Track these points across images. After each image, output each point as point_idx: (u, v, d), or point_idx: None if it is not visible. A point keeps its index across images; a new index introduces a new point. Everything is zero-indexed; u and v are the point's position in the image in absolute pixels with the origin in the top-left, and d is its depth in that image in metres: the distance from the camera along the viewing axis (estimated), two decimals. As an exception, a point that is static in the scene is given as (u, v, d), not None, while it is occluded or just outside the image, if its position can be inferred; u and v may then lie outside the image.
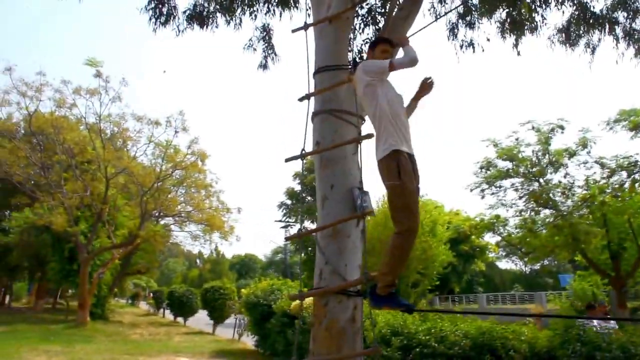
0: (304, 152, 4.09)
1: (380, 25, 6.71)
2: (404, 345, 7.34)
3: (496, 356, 6.20)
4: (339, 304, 3.84)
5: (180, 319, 28.81)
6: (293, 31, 4.35)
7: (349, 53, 4.75)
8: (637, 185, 16.68)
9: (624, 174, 17.68)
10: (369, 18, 6.77)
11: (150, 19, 7.73)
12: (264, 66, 8.03)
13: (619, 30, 7.40)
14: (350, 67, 4.40)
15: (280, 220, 44.06)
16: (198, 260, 79.08)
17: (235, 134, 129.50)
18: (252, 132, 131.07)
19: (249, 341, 17.62)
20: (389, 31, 4.60)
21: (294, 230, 45.06)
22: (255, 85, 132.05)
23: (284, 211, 41.31)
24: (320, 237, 4.10)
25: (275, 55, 8.03)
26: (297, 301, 13.17)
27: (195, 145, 26.13)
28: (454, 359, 6.55)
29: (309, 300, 11.75)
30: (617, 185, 17.64)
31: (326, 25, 4.28)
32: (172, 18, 7.74)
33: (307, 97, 4.22)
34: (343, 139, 4.15)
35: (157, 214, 27.57)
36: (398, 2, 4.96)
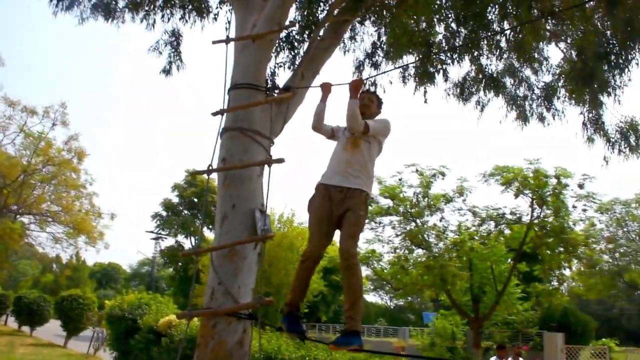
0: (211, 167, 3.99)
1: (297, 51, 6.78)
2: (277, 372, 7.30)
3: (367, 387, 6.36)
4: (228, 326, 3.76)
5: (25, 328, 26.00)
6: (214, 42, 4.26)
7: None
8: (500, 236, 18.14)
9: (492, 223, 19.12)
10: (287, 43, 6.82)
11: (51, 0, 7.25)
12: (167, 71, 7.78)
13: (505, 94, 8.07)
14: (266, 89, 4.39)
15: (152, 232, 42.45)
16: (55, 265, 73.41)
17: (126, 137, 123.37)
18: (143, 138, 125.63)
19: (106, 357, 16.58)
20: (308, 60, 4.67)
21: (165, 243, 43.55)
22: (157, 92, 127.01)
23: (158, 222, 39.87)
24: (215, 256, 3.99)
25: (181, 62, 7.82)
26: (166, 318, 12.56)
27: (74, 141, 24.61)
28: (326, 388, 6.62)
29: (178, 319, 11.34)
30: (484, 234, 19.04)
31: (249, 43, 4.25)
32: (76, 4, 7.30)
33: (220, 112, 4.14)
34: (252, 159, 4.11)
35: (17, 210, 25.44)
36: (319, 34, 5.05)
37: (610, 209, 41.77)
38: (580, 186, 17.21)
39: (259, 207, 4.11)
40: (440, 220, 19.21)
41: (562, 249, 17.84)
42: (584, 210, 17.84)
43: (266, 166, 4.00)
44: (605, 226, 42.72)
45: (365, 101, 4.14)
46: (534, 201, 17.47)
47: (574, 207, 17.78)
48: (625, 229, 42.94)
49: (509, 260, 20.29)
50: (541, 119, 8.31)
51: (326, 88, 4.25)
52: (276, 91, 4.69)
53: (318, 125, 4.23)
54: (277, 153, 4.68)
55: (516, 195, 17.47)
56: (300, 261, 4.00)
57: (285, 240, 19.16)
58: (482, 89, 7.95)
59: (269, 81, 5.83)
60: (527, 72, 8.10)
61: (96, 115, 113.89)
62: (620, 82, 7.50)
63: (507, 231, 19.90)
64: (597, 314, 50.50)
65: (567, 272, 20.85)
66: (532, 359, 20.72)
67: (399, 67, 7.49)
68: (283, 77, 6.89)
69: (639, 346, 38.34)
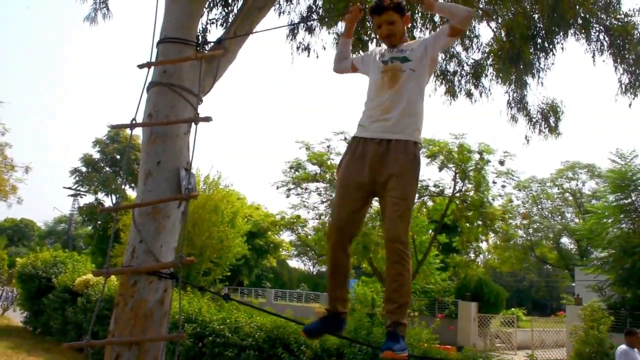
0: (134, 121, 3.84)
1: (231, 8, 6.59)
2: (197, 332, 7.29)
3: (288, 350, 6.46)
4: (148, 285, 3.67)
5: None
6: (143, -8, 4.07)
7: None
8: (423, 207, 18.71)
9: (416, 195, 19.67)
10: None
11: None
12: (92, 19, 7.37)
13: (436, 68, 8.24)
14: (196, 44, 4.25)
15: (70, 188, 40.84)
16: (-43, 220, 69.14)
17: (47, 86, 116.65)
18: (66, 89, 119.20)
19: (15, 317, 15.96)
20: (242, 18, 4.54)
21: (84, 200, 42.06)
22: (82, 41, 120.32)
23: (77, 178, 38.35)
24: (137, 214, 3.87)
25: (108, 10, 7.42)
26: (83, 277, 12.23)
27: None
28: (247, 350, 6.67)
29: (95, 278, 11.04)
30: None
31: (182, -5, 4.09)
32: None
33: (147, 65, 3.97)
34: (179, 116, 3.99)
35: None
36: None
37: (527, 187, 44.01)
38: (501, 163, 18.04)
39: (185, 165, 4.02)
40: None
41: (480, 223, 18.70)
42: (503, 186, 18.76)
43: (193, 124, 3.89)
44: (521, 203, 45.00)
45: (386, 23, 3.21)
46: (457, 175, 18.14)
47: (494, 182, 18.66)
48: (539, 207, 45.39)
49: (430, 231, 21.04)
50: (469, 95, 8.56)
51: (355, 13, 3.45)
52: (207, 47, 4.53)
53: (340, 65, 3.54)
54: (206, 111, 4.57)
55: (440, 169, 18.05)
56: (327, 243, 3.10)
57: (210, 203, 18.97)
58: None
59: (200, 37, 5.66)
60: (459, 48, 8.27)
61: (13, 61, 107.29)
62: (544, 65, 7.84)
63: (430, 203, 20.59)
64: (510, 286, 53.52)
65: (483, 245, 21.94)
66: (446, 326, 21.72)
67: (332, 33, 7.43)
68: (215, 34, 6.71)
69: (544, 315, 41.13)
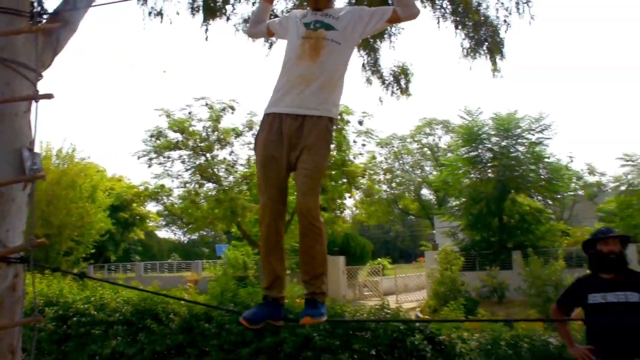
0: (-35, 101, 3.59)
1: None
2: (60, 315, 7.05)
3: (157, 320, 6.48)
4: (-3, 272, 3.53)
5: None
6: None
7: None
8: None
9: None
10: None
11: None
12: None
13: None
14: (31, 14, 4.01)
15: None
16: None
17: None
18: None
19: None
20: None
21: None
22: None
23: None
24: (-22, 199, 3.67)
25: None
26: None
27: None
28: (114, 326, 6.59)
29: None
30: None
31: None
32: None
33: (-25, 39, 3.69)
34: (16, 93, 3.77)
35: None
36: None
37: (389, 143, 46.26)
38: (360, 123, 18.85)
39: (27, 145, 3.83)
40: (230, 154, 19.58)
41: (344, 181, 19.51)
42: (364, 145, 19.67)
43: (33, 102, 3.70)
44: (384, 159, 47.30)
45: None
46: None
47: (354, 141, 19.48)
48: (401, 162, 47.99)
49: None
50: None
51: None
52: (44, 18, 4.27)
53: (255, 29, 3.30)
54: (48, 87, 4.34)
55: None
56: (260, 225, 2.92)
57: (66, 178, 17.95)
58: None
59: (35, 5, 5.29)
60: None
61: None
62: (396, 30, 8.27)
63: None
64: (377, 238, 56.49)
65: (349, 201, 22.93)
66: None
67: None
68: (52, 3, 6.28)
69: (408, 262, 44.12)
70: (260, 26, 3.24)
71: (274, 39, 3.25)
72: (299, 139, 2.76)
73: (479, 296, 17.52)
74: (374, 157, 46.12)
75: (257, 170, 2.97)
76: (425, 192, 48.31)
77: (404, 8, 2.89)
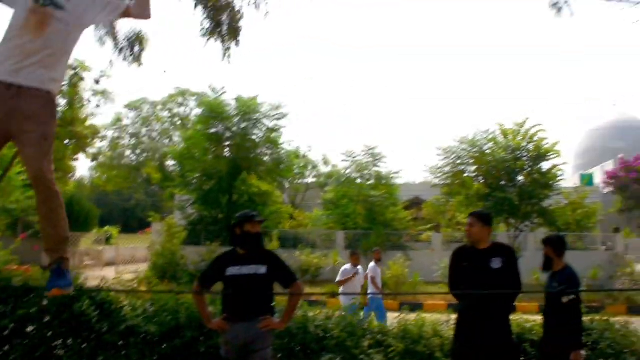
0: None
1: None
2: None
3: None
4: None
5: None
6: None
7: None
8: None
9: None
10: None
11: None
12: None
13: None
14: None
15: None
16: None
17: None
18: None
19: None
20: None
21: None
22: None
23: None
24: None
25: None
26: None
27: None
28: None
29: None
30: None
31: None
32: None
33: None
34: None
35: None
36: None
37: (138, 107, 44.58)
38: (97, 81, 17.92)
39: None
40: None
41: (72, 141, 18.35)
42: (98, 105, 18.74)
43: None
44: (131, 122, 45.45)
45: None
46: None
47: (88, 100, 18.44)
48: (149, 128, 46.62)
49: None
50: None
51: None
52: None
53: None
54: None
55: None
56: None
57: None
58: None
59: None
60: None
61: None
62: None
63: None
64: (116, 204, 54.10)
65: (84, 164, 21.67)
66: (30, 246, 20.81)
67: None
68: None
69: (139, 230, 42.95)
70: None
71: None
72: (15, 109, 2.68)
73: (197, 270, 18.06)
74: (119, 119, 44.04)
75: None
76: (171, 162, 47.88)
77: (138, 9, 3.13)
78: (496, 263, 4.43)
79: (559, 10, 8.36)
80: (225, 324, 4.21)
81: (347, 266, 10.09)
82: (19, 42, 2.75)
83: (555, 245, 5.04)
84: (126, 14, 3.15)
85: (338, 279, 10.07)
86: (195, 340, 5.25)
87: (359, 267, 10.05)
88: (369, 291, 10.26)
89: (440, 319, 5.96)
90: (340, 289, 9.88)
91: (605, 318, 5.87)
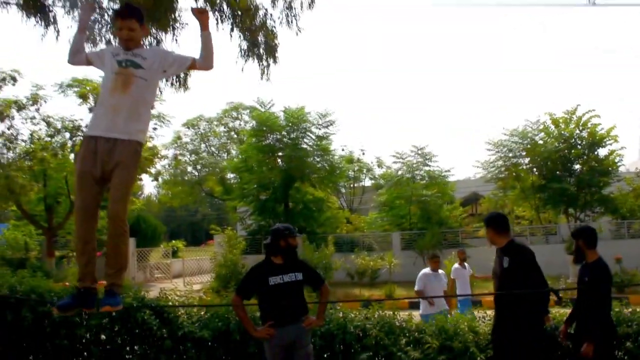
0: None
1: None
2: None
3: None
4: None
5: None
6: None
7: None
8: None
9: (68, 135, 19.26)
10: None
11: None
12: None
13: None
14: None
15: None
16: None
17: None
18: None
19: None
20: None
21: None
22: None
23: None
24: None
25: None
26: None
27: None
28: None
29: None
30: (59, 145, 19.08)
31: None
32: None
33: None
34: None
35: None
36: None
37: (195, 125, 46.06)
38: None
39: None
40: (9, 129, 18.43)
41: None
42: (155, 128, 19.82)
43: None
44: (190, 140, 46.98)
45: (127, 29, 3.50)
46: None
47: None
48: (207, 144, 48.00)
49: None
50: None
51: (88, 10, 3.89)
52: None
53: (75, 59, 3.67)
54: None
55: (91, 110, 18.02)
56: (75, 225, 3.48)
57: None
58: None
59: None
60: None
61: None
62: (179, 25, 8.58)
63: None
64: (182, 219, 56.01)
65: (149, 183, 22.79)
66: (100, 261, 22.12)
67: None
68: None
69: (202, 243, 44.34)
70: (79, 55, 3.66)
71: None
72: (111, 158, 3.29)
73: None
74: (179, 138, 45.62)
75: (75, 180, 3.51)
76: (231, 175, 48.98)
77: (203, 60, 3.61)
78: (505, 262, 4.71)
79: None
80: (272, 330, 4.63)
81: (426, 270, 8.99)
82: (112, 101, 3.38)
83: (586, 237, 5.09)
84: (192, 66, 3.67)
85: (417, 287, 8.91)
86: (244, 343, 5.76)
87: (441, 271, 9.13)
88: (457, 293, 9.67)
89: (477, 316, 6.16)
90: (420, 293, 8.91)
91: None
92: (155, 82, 3.59)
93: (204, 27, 3.65)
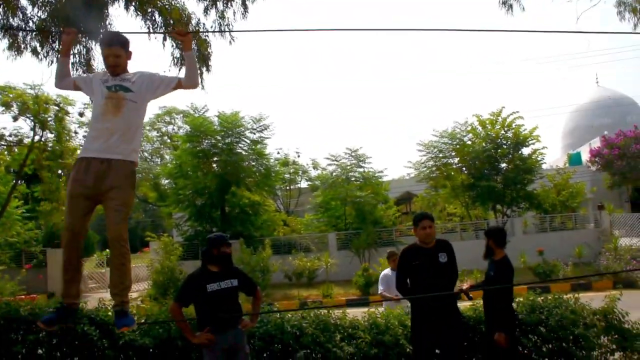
0: None
1: None
2: None
3: None
4: None
5: None
6: None
7: None
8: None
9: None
10: None
11: None
12: None
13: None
14: None
15: None
16: None
17: None
18: None
19: None
20: None
21: None
22: None
23: None
24: None
25: None
26: None
27: None
28: None
29: None
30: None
31: None
32: None
33: None
34: None
35: None
36: None
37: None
38: (81, 114, 18.55)
39: None
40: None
41: (63, 172, 18.98)
42: (84, 136, 19.30)
43: None
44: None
45: (114, 56, 3.66)
46: (36, 125, 17.89)
47: (75, 132, 19.07)
48: (140, 149, 46.88)
49: (18, 181, 20.21)
50: (35, 52, 8.55)
51: (71, 35, 3.91)
52: None
53: (62, 83, 3.82)
54: None
55: (15, 118, 17.49)
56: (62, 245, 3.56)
57: None
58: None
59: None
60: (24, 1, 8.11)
61: None
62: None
63: (8, 153, 19.70)
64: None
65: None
66: (35, 275, 21.44)
67: None
68: None
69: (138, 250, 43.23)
70: (66, 80, 3.82)
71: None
72: (105, 179, 3.40)
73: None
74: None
75: (66, 201, 3.58)
76: (165, 181, 48.06)
77: (188, 79, 3.76)
78: (442, 257, 5.17)
79: (510, 7, 9.18)
80: (212, 335, 4.79)
81: (386, 271, 8.32)
82: (105, 124, 3.49)
83: (496, 238, 5.64)
84: (178, 86, 3.80)
85: (380, 289, 8.26)
86: (186, 349, 5.92)
87: None
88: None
89: (404, 311, 6.55)
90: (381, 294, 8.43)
91: (556, 296, 6.41)
92: (144, 104, 3.71)
93: (186, 48, 3.82)
